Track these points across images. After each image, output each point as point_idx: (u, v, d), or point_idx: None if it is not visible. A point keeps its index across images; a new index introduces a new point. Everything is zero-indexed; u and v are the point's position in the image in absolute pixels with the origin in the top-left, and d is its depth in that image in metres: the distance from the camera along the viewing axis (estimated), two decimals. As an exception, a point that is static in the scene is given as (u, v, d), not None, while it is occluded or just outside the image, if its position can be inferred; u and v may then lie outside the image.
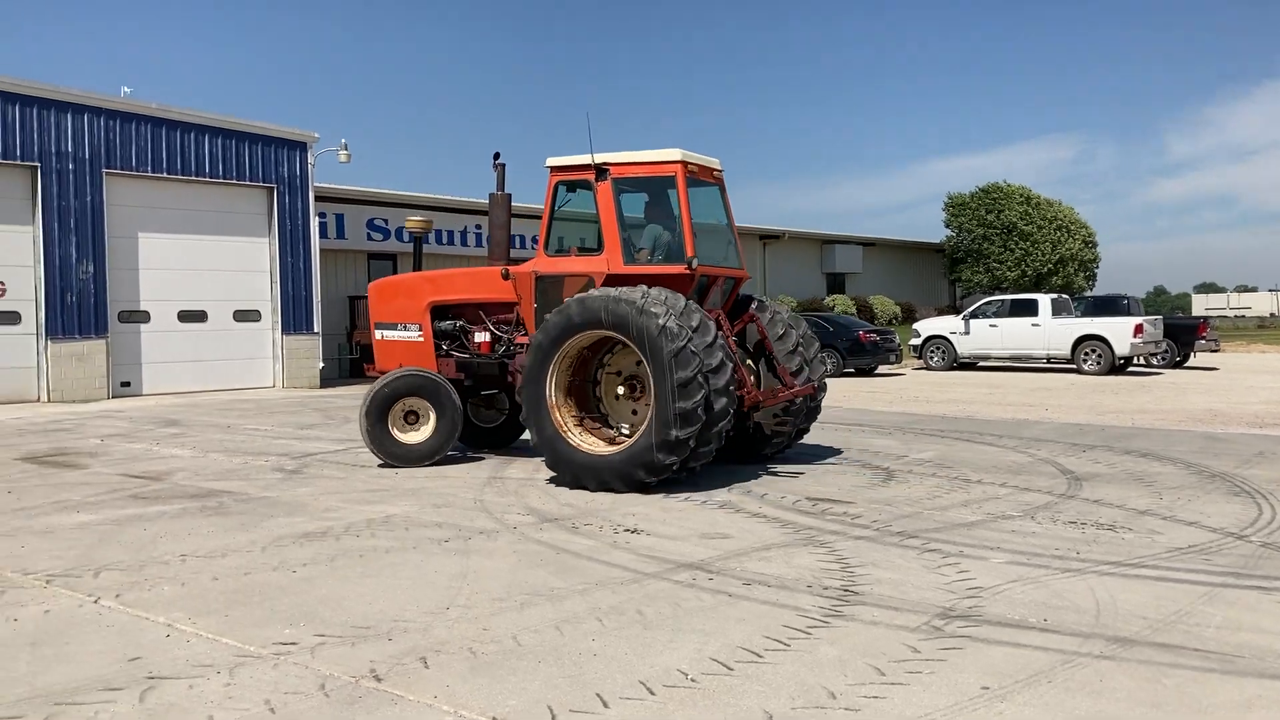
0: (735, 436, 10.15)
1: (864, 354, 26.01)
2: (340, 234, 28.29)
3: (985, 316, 27.55)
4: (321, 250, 24.82)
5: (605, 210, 9.91)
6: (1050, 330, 26.51)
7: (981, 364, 28.28)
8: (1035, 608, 5.51)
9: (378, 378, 11.05)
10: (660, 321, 8.80)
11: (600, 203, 9.95)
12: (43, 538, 7.47)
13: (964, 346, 27.61)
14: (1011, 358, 27.16)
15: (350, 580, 6.17)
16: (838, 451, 11.75)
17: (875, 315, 42.54)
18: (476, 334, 11.15)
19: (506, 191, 11.17)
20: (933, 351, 28.15)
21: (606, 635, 5.11)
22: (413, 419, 10.60)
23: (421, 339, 11.21)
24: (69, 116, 20.68)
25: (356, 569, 6.44)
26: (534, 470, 10.31)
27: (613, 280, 9.73)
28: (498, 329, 11.10)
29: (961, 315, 28.33)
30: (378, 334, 11.49)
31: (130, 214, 21.43)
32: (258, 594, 5.88)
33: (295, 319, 23.51)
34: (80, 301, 20.75)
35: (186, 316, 22.20)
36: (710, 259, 10.23)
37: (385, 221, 29.33)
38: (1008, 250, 48.23)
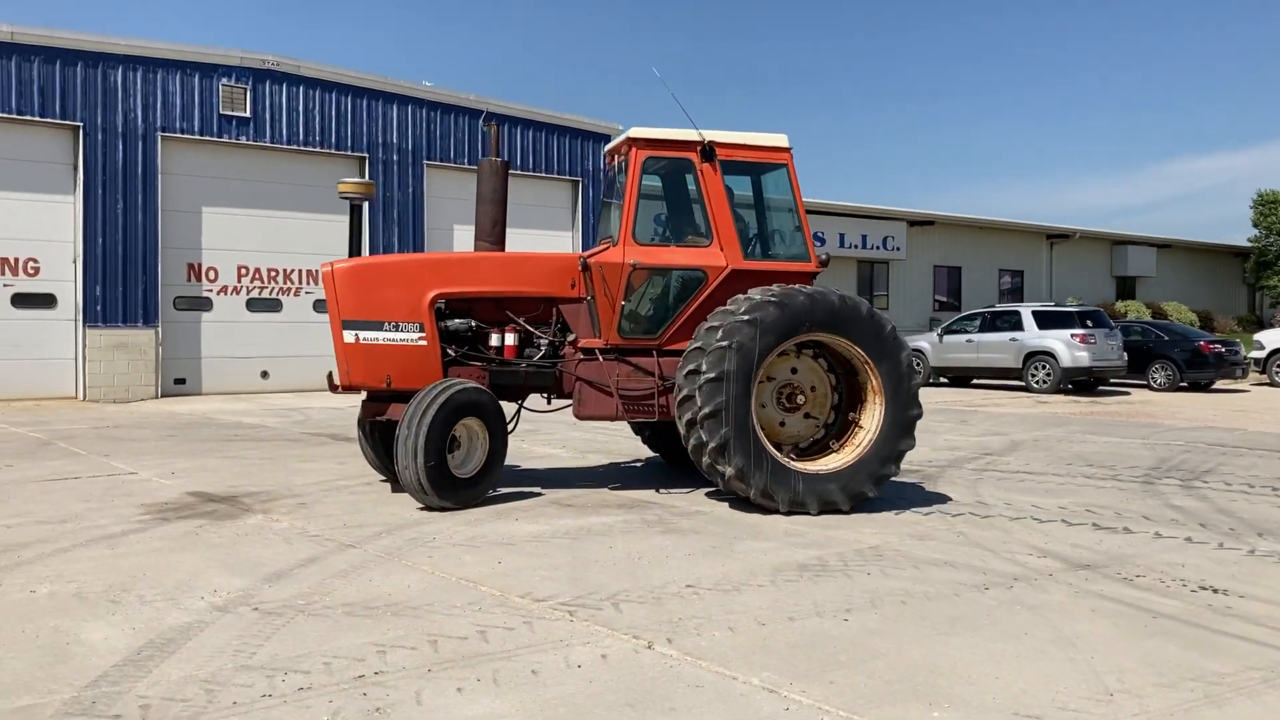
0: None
1: (1205, 367, 23.35)
2: (631, 228, 27.86)
3: (1349, 328, 24.24)
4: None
5: (716, 196, 8.76)
6: None
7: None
8: None
9: (379, 395, 8.76)
10: (881, 311, 8.47)
11: (709, 187, 8.77)
12: (509, 551, 6.75)
13: (1321, 362, 24.36)
14: (1382, 376, 23.76)
15: (929, 638, 5.04)
16: (1318, 487, 9.85)
17: (1174, 324, 38.83)
18: (500, 335, 8.92)
19: (501, 158, 9.40)
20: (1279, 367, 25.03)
21: (1393, 760, 3.74)
22: (453, 446, 8.17)
23: (423, 342, 8.58)
24: (394, 108, 20.92)
25: (918, 621, 5.31)
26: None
27: (736, 276, 8.70)
28: (537, 330, 9.02)
29: (1318, 326, 25.07)
30: (349, 335, 8.51)
31: (446, 206, 21.52)
32: (839, 650, 4.82)
33: (598, 313, 23.13)
34: (400, 291, 20.94)
35: (497, 308, 22.15)
36: None
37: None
38: (1327, 254, 43.22)
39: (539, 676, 4.46)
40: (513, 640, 4.93)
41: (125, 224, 18.04)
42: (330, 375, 8.89)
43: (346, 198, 8.96)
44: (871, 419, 8.37)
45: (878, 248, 33.84)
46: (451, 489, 8.04)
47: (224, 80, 19.03)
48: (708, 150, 8.76)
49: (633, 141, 8.80)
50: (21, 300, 17.42)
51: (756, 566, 6.40)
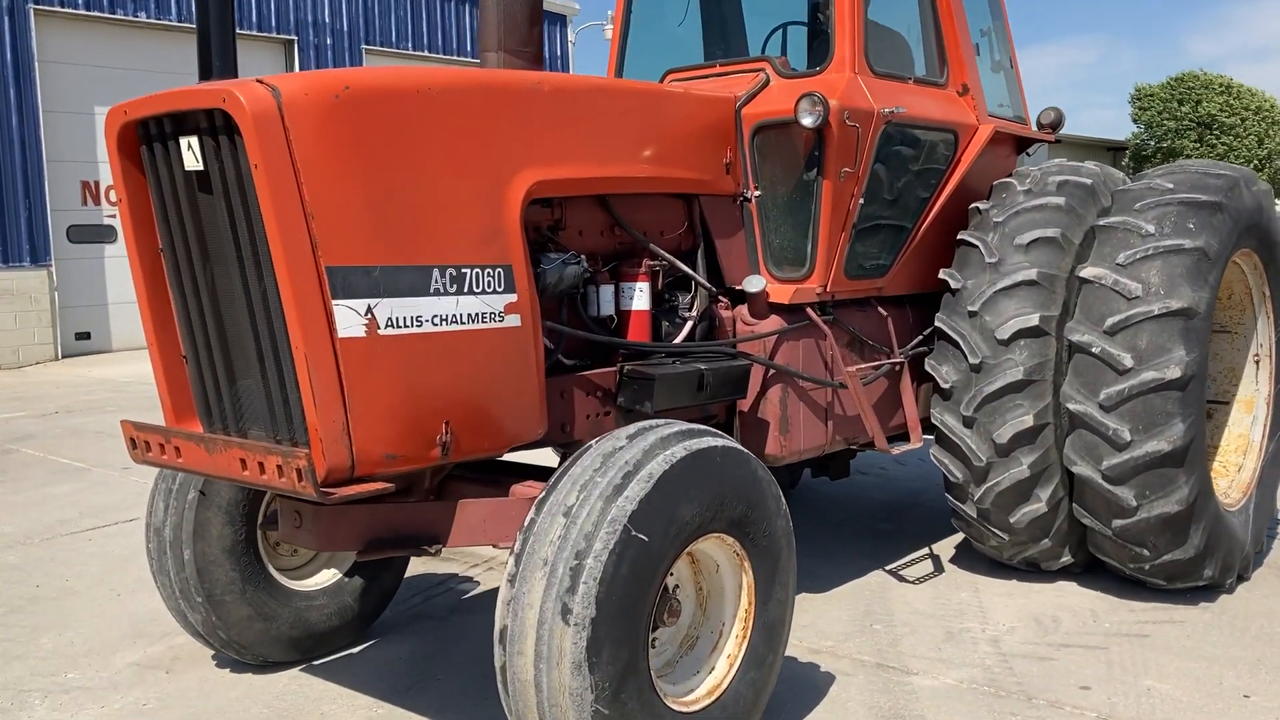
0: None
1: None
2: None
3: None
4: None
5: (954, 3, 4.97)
6: None
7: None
8: None
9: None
10: None
11: None
12: (1158, 651, 3.84)
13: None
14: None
15: None
16: None
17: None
18: (615, 287, 3.92)
19: None
20: None
21: None
22: (671, 608, 3.04)
23: (516, 319, 3.27)
24: (324, -20, 16.75)
25: None
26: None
27: (989, 148, 4.97)
28: (681, 279, 4.19)
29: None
30: (347, 314, 2.86)
31: (394, 101, 17.62)
32: None
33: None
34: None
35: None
36: None
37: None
38: (1205, 146, 43.70)
39: None
40: None
41: (-4, 130, 13.47)
42: (138, 437, 3.27)
43: None
44: (1260, 405, 5.13)
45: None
46: None
47: (111, -64, 14.45)
48: None
49: None
50: None
51: None
